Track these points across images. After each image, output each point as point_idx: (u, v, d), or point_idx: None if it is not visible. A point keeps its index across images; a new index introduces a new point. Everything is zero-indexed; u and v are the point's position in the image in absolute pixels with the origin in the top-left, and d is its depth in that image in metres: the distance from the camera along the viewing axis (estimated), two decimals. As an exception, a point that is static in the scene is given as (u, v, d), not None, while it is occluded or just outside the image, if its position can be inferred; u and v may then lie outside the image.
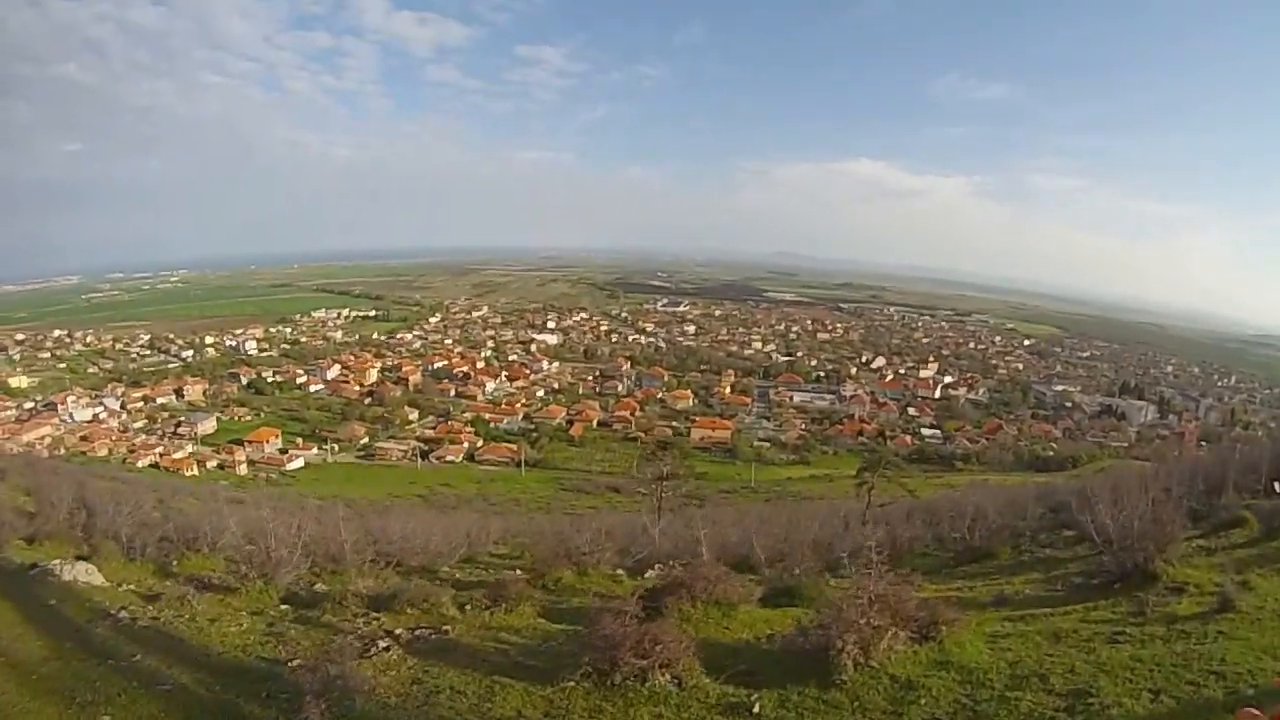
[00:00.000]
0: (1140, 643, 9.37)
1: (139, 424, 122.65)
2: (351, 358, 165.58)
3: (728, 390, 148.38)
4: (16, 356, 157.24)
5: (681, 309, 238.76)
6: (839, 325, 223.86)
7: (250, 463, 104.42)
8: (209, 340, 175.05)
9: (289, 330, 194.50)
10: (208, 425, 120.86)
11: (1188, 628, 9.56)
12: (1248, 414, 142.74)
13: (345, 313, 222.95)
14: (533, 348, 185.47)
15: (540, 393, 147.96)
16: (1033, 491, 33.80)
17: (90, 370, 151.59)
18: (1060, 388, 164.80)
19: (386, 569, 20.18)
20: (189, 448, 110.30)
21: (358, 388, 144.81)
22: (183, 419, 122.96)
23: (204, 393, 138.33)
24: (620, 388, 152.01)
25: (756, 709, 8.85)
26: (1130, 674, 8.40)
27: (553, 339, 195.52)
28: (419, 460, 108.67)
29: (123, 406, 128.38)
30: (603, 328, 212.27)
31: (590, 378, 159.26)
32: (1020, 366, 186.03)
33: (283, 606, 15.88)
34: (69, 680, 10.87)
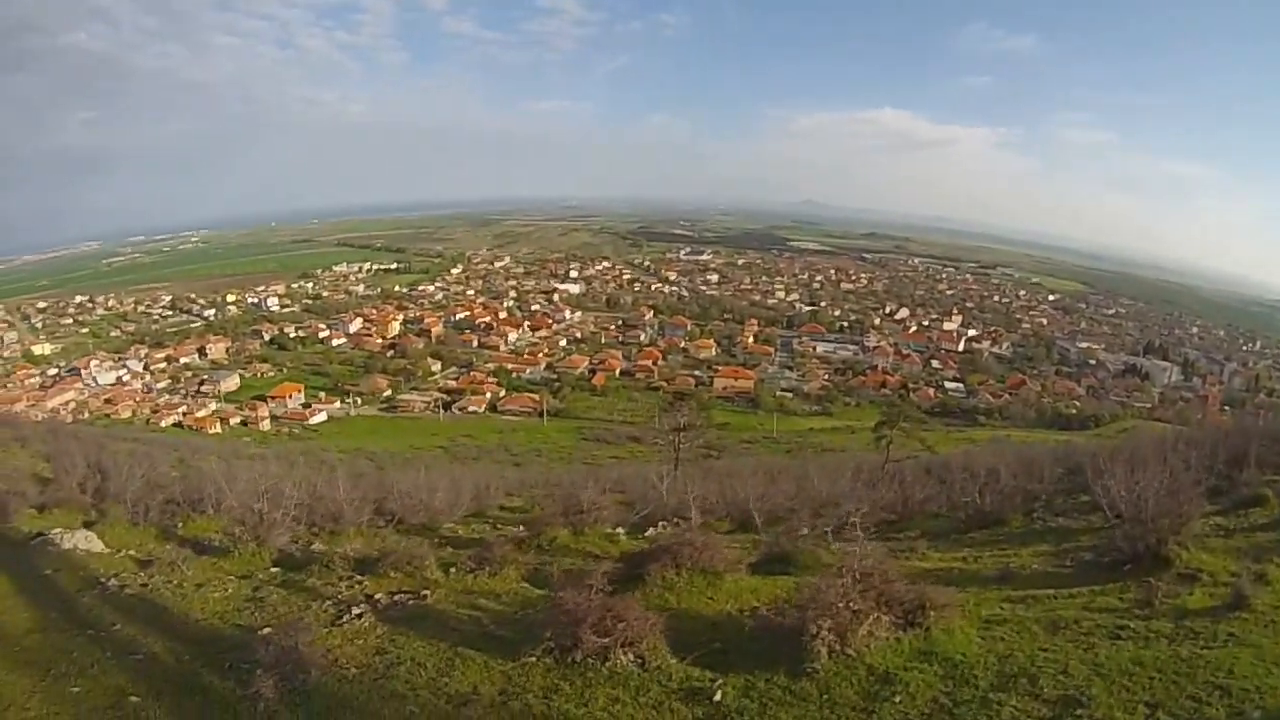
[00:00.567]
0: (1144, 641, 8.60)
1: (162, 384, 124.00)
2: (374, 311, 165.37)
3: (750, 340, 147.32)
4: (39, 324, 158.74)
5: (705, 258, 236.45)
6: (863, 276, 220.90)
7: (273, 418, 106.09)
8: (231, 298, 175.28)
9: (310, 285, 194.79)
10: (230, 383, 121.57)
11: (1197, 626, 8.83)
12: (1272, 380, 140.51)
13: (367, 266, 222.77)
14: (555, 297, 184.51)
15: (563, 342, 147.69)
16: (1050, 452, 32.80)
17: (113, 334, 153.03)
18: (1084, 345, 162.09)
19: (385, 528, 20.23)
20: (212, 406, 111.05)
21: (380, 341, 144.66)
22: (206, 377, 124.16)
23: (227, 351, 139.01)
24: (643, 337, 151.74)
25: (718, 696, 8.33)
26: (1128, 681, 7.65)
27: (575, 288, 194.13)
28: (441, 412, 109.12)
29: (146, 368, 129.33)
30: (625, 277, 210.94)
31: (613, 327, 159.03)
32: (1045, 322, 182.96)
33: (273, 569, 15.76)
34: (48, 652, 10.89)
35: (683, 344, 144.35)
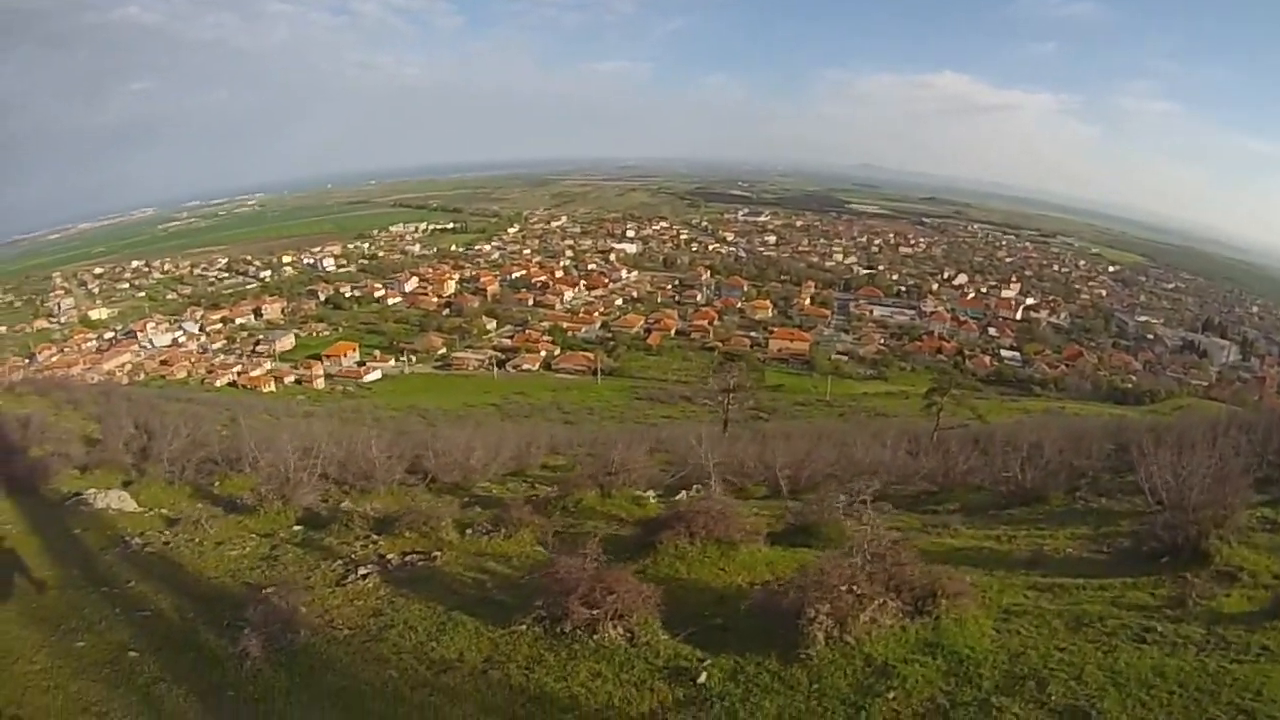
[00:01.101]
0: (1170, 647, 7.79)
1: (218, 345, 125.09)
2: (429, 270, 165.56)
3: (807, 301, 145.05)
4: (95, 290, 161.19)
5: (762, 219, 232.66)
6: (921, 240, 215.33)
7: (327, 377, 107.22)
8: (286, 259, 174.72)
9: (366, 246, 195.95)
10: (286, 342, 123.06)
11: (1229, 634, 8.01)
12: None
13: (423, 226, 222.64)
14: (611, 257, 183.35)
15: (619, 301, 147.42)
16: (1102, 426, 31.38)
17: (169, 297, 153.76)
18: (1143, 318, 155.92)
19: (416, 487, 20.18)
20: (267, 365, 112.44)
21: (436, 299, 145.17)
22: (261, 338, 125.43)
23: (282, 311, 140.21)
24: (699, 297, 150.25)
25: (703, 678, 7.96)
26: (1145, 694, 6.90)
27: (632, 248, 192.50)
28: (495, 369, 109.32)
29: (201, 329, 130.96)
30: (682, 237, 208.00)
31: (669, 287, 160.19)
32: (1103, 293, 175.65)
33: (295, 528, 15.94)
34: (62, 608, 11.09)
35: (739, 305, 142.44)
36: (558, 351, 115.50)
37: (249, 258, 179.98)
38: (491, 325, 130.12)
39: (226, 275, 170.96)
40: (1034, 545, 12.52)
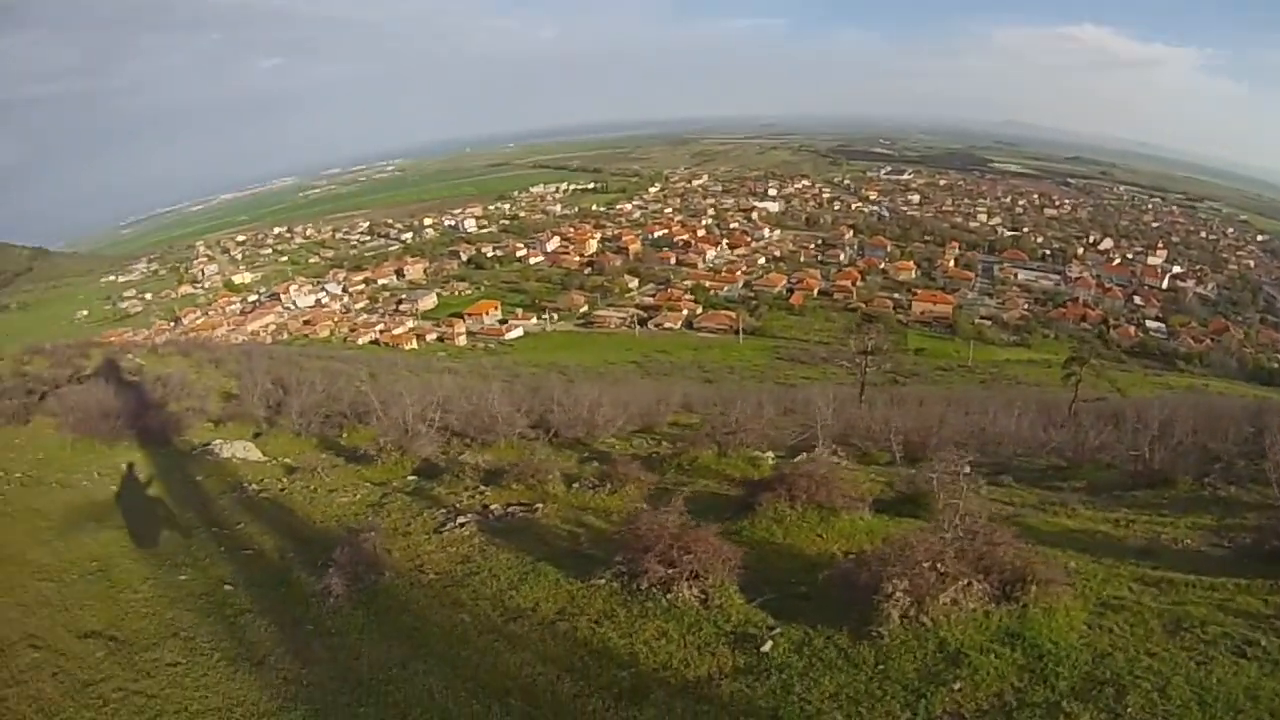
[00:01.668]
0: (1272, 666, 6.88)
1: (360, 305, 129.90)
2: (571, 230, 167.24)
3: (951, 263, 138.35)
4: (238, 255, 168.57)
5: (905, 178, 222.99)
6: (1066, 201, 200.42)
7: (469, 334, 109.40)
8: (428, 222, 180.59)
9: (507, 207, 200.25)
10: (428, 301, 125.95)
11: None
12: None
13: (564, 186, 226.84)
14: (754, 215, 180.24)
15: (761, 260, 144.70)
16: (1242, 408, 28.01)
17: (311, 260, 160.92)
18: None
19: (537, 440, 20.53)
20: (409, 323, 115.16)
21: (577, 258, 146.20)
22: (403, 297, 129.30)
23: (424, 271, 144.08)
24: (842, 257, 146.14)
25: (767, 646, 7.75)
26: (1233, 717, 6.15)
27: (774, 206, 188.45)
28: (636, 327, 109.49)
29: (344, 290, 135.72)
30: (825, 195, 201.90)
31: (812, 246, 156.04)
32: (1252, 264, 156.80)
33: (410, 478, 16.75)
34: (172, 546, 12.31)
35: (882, 265, 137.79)
36: (699, 310, 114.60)
37: (390, 221, 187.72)
38: (633, 284, 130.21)
39: (368, 238, 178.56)
40: (1151, 533, 11.50)
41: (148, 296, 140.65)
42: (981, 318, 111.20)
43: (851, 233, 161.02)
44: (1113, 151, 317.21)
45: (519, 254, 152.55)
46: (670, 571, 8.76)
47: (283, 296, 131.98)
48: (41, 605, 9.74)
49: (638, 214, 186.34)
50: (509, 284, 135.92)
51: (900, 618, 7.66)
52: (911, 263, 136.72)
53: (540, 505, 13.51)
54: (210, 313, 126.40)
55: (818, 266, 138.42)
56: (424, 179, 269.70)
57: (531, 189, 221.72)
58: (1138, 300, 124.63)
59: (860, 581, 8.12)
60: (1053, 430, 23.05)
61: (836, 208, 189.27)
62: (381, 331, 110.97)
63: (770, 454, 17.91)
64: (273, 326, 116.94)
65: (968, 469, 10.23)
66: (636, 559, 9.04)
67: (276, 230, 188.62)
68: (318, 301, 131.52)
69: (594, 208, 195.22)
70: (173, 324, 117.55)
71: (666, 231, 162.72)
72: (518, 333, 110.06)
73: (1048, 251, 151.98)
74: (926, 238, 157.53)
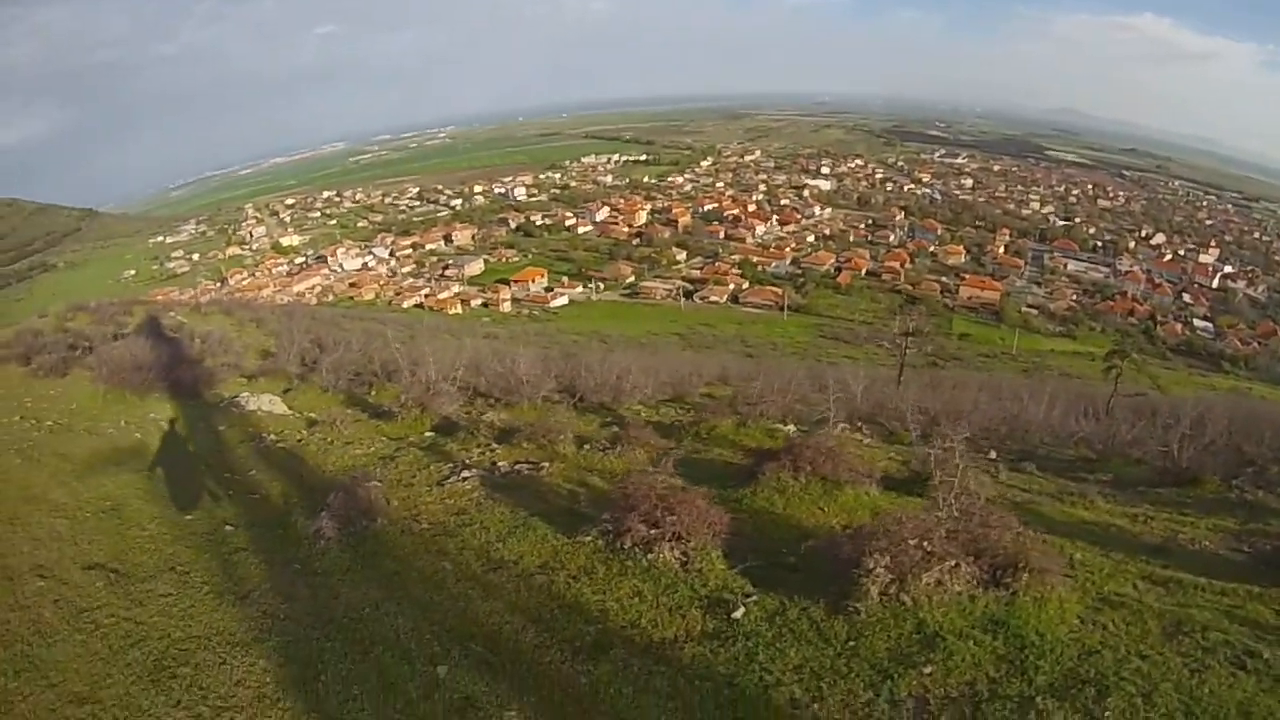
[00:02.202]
0: (1270, 682, 6.42)
1: (407, 269, 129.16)
2: (621, 200, 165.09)
3: (1001, 250, 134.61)
4: (287, 218, 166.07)
5: (959, 161, 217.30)
6: (1120, 193, 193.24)
7: (514, 301, 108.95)
8: (478, 189, 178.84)
9: (558, 176, 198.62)
10: (474, 267, 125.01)
11: None
12: None
13: (615, 157, 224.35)
14: (805, 193, 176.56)
15: (810, 238, 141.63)
16: None
17: (360, 224, 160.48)
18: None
19: (560, 404, 20.58)
20: (454, 288, 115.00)
21: (626, 229, 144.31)
22: (450, 262, 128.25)
23: (472, 237, 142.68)
24: (892, 238, 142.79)
25: (739, 613, 7.61)
26: None
27: (826, 185, 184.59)
28: (682, 300, 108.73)
29: (391, 254, 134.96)
30: (877, 175, 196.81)
31: (862, 226, 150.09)
32: None
33: (428, 434, 16.88)
34: (184, 489, 12.69)
35: (931, 248, 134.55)
36: (746, 285, 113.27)
37: (440, 187, 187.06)
38: (681, 256, 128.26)
39: (417, 204, 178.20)
40: (1169, 531, 11.03)
41: (195, 257, 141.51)
42: (1028, 306, 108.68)
43: (902, 214, 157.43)
44: (1169, 145, 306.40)
45: (568, 223, 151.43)
46: (653, 532, 8.67)
47: (329, 259, 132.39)
48: (53, 539, 10.16)
49: (689, 187, 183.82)
50: (557, 252, 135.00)
51: (880, 595, 7.42)
52: (961, 247, 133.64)
53: (547, 464, 13.53)
54: (257, 274, 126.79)
55: (867, 246, 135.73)
56: (475, 147, 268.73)
57: (583, 159, 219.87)
58: (1186, 298, 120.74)
59: (843, 555, 7.91)
60: (1084, 421, 22.39)
61: (889, 188, 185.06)
62: (426, 296, 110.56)
63: (791, 427, 17.64)
64: (318, 288, 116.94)
65: (961, 443, 9.76)
66: (621, 518, 8.98)
67: (325, 194, 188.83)
68: (364, 265, 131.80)
69: (645, 179, 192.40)
70: (219, 284, 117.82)
71: (717, 206, 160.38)
72: (563, 301, 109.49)
73: (1099, 243, 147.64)
74: (978, 223, 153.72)
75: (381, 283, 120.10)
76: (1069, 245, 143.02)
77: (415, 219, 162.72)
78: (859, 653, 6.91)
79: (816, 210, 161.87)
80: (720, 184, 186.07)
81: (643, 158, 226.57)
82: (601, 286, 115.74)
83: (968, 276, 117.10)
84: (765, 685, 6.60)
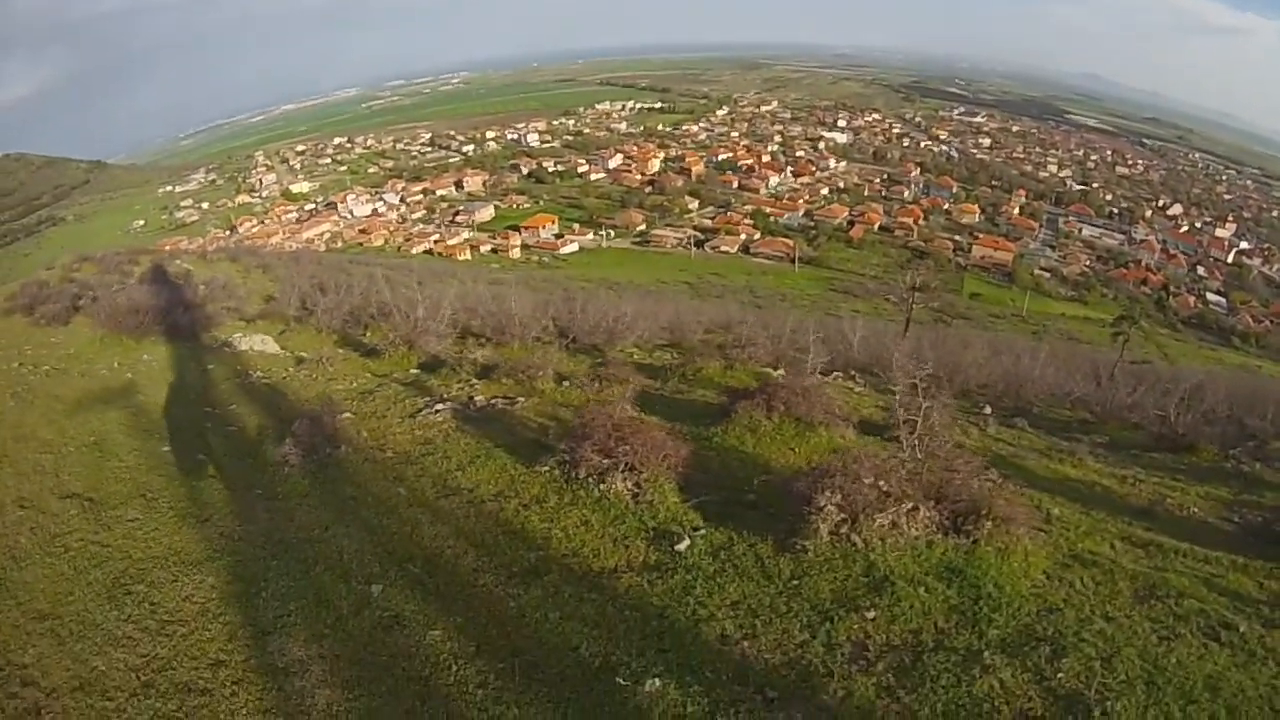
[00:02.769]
0: (1244, 656, 6.06)
1: (417, 215, 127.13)
2: (634, 148, 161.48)
3: (1016, 211, 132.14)
4: (297, 165, 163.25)
5: (978, 120, 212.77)
6: (1139, 162, 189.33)
7: (524, 247, 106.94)
8: (490, 135, 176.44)
9: (572, 123, 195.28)
10: (485, 213, 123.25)
11: None
12: None
13: (630, 105, 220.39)
14: (821, 145, 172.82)
15: (824, 191, 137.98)
16: None
17: (370, 170, 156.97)
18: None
19: (551, 344, 20.37)
20: (464, 234, 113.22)
21: (639, 177, 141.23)
22: (461, 208, 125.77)
23: (484, 184, 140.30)
24: (907, 194, 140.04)
25: (682, 546, 7.51)
26: (1179, 709, 5.38)
27: (842, 138, 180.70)
28: (693, 249, 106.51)
29: (402, 200, 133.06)
30: (894, 130, 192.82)
31: (877, 180, 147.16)
32: None
33: (413, 370, 16.91)
34: (164, 423, 12.97)
35: (946, 206, 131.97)
36: (758, 236, 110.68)
37: (452, 133, 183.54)
38: (694, 205, 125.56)
39: (429, 149, 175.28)
40: (1157, 495, 10.74)
41: (204, 206, 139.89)
42: (1041, 269, 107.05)
43: (918, 170, 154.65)
44: (1192, 117, 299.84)
45: (580, 170, 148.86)
46: (606, 461, 8.57)
47: (339, 206, 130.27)
48: (37, 473, 10.44)
49: (703, 136, 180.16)
50: (568, 199, 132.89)
51: (830, 534, 7.21)
52: (976, 206, 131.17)
53: (522, 399, 13.46)
54: (266, 221, 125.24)
55: (881, 201, 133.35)
56: (489, 92, 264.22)
57: (597, 106, 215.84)
58: (1201, 271, 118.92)
59: (794, 491, 7.72)
60: (1084, 383, 22.10)
61: (905, 144, 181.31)
62: (436, 241, 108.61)
63: (780, 372, 17.51)
64: (328, 235, 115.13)
65: (924, 381, 9.46)
66: (577, 447, 8.90)
67: (337, 140, 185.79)
68: (374, 211, 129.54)
69: (659, 127, 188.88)
70: (228, 232, 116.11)
71: (731, 155, 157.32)
72: (573, 248, 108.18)
73: (1115, 210, 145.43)
74: (994, 183, 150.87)
75: (391, 229, 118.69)
76: (1085, 210, 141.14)
77: (427, 165, 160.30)
78: (801, 592, 6.76)
79: (831, 163, 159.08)
80: (735, 134, 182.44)
81: (658, 106, 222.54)
82: (612, 234, 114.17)
83: (981, 236, 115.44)
84: (697, 619, 6.52)
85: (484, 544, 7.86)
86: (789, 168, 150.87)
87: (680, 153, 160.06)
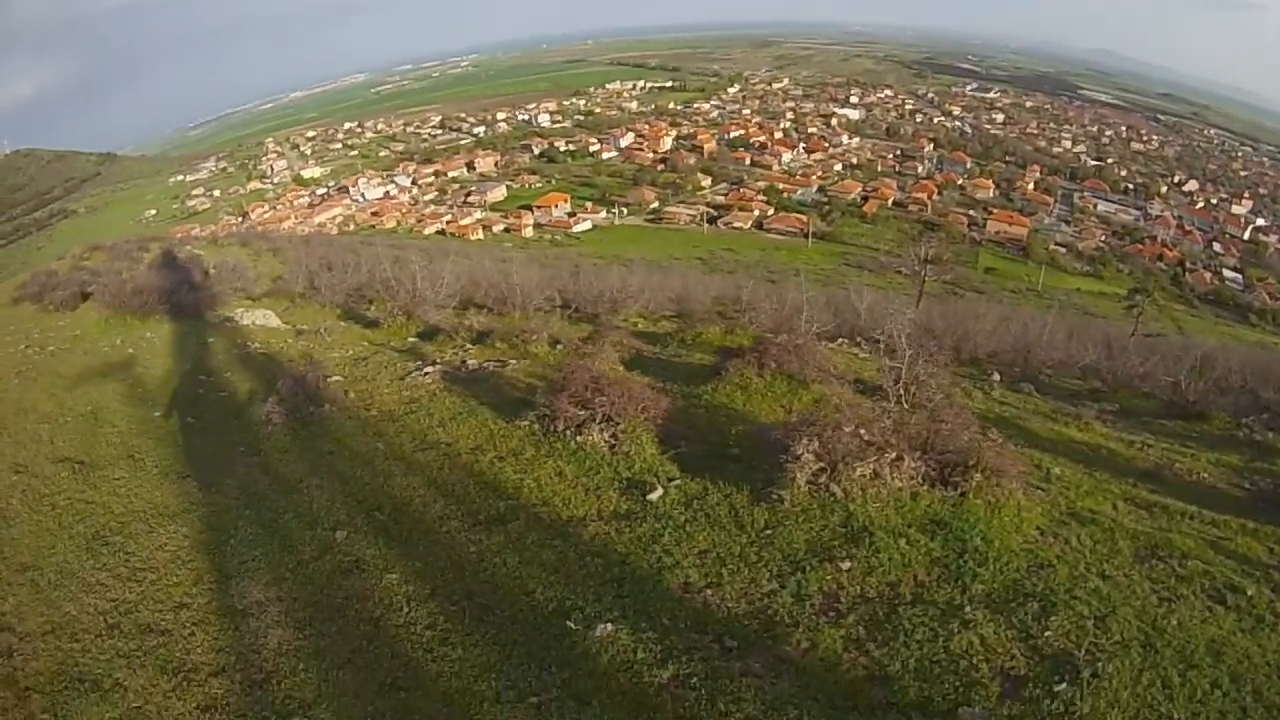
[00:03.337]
0: (1251, 621, 5.69)
1: (429, 197, 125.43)
2: (646, 126, 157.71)
3: (1030, 186, 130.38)
4: (308, 151, 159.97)
5: (991, 95, 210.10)
6: (1154, 138, 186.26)
7: (537, 226, 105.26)
8: (500, 116, 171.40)
9: (583, 102, 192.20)
10: (497, 193, 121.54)
11: None
12: None
13: (641, 84, 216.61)
14: (833, 122, 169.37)
15: (837, 167, 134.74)
16: None
17: (381, 154, 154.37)
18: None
19: (551, 313, 20.32)
20: (476, 215, 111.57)
21: (651, 155, 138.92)
22: (473, 189, 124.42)
23: (495, 164, 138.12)
24: (920, 169, 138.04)
25: (654, 495, 7.37)
26: (1177, 674, 5.03)
27: (854, 114, 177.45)
28: (705, 225, 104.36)
29: (413, 182, 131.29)
30: (907, 106, 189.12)
31: (890, 156, 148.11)
32: None
33: (411, 339, 16.89)
34: (158, 391, 13.08)
35: (960, 181, 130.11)
36: (771, 212, 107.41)
37: (463, 115, 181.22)
38: (706, 182, 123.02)
39: (440, 132, 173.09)
40: (1165, 459, 10.32)
41: (216, 194, 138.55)
42: (1056, 244, 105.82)
43: (932, 146, 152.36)
44: (1207, 94, 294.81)
45: (592, 149, 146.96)
46: (582, 413, 8.46)
47: (351, 189, 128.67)
48: (34, 442, 10.57)
49: (715, 114, 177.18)
50: (580, 178, 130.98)
51: (807, 484, 6.99)
52: (990, 182, 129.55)
53: (513, 362, 13.41)
54: (278, 207, 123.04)
55: (894, 177, 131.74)
56: (498, 74, 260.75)
57: (608, 85, 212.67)
58: (1217, 248, 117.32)
59: (771, 440, 7.55)
60: (1093, 350, 21.74)
61: (918, 120, 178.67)
62: (448, 222, 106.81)
63: (783, 337, 17.53)
64: (339, 218, 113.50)
65: (906, 329, 9.21)
66: (554, 400, 8.80)
67: (347, 125, 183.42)
68: (386, 194, 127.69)
69: (671, 106, 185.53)
70: (240, 219, 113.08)
71: (743, 132, 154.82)
72: (585, 226, 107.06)
73: (1130, 186, 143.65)
74: (1008, 158, 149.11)
75: (403, 211, 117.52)
76: (1099, 186, 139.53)
77: (437, 147, 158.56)
78: (774, 542, 6.56)
79: (844, 139, 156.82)
80: (747, 111, 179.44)
81: (669, 84, 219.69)
82: (625, 211, 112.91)
83: (996, 211, 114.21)
84: (661, 567, 6.38)
85: (454, 493, 7.82)
86: (801, 144, 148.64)
87: (692, 130, 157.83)
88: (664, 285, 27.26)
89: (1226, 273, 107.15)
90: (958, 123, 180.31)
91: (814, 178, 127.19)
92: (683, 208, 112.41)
